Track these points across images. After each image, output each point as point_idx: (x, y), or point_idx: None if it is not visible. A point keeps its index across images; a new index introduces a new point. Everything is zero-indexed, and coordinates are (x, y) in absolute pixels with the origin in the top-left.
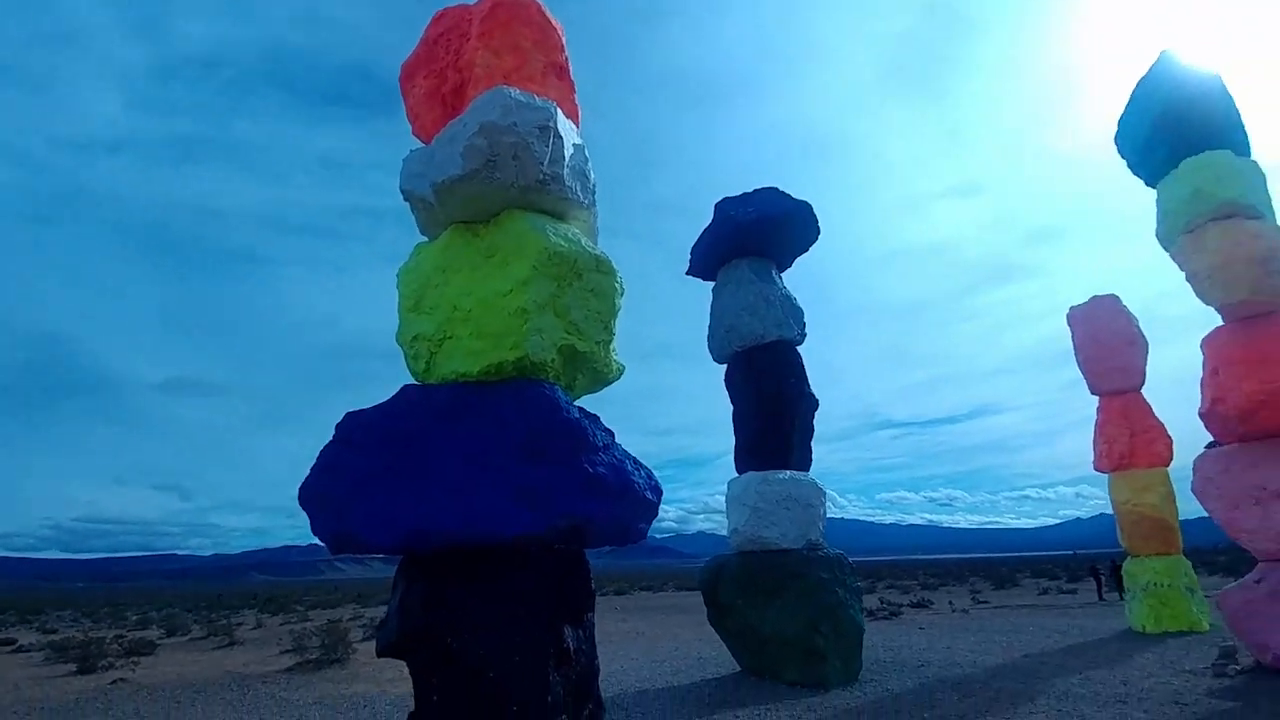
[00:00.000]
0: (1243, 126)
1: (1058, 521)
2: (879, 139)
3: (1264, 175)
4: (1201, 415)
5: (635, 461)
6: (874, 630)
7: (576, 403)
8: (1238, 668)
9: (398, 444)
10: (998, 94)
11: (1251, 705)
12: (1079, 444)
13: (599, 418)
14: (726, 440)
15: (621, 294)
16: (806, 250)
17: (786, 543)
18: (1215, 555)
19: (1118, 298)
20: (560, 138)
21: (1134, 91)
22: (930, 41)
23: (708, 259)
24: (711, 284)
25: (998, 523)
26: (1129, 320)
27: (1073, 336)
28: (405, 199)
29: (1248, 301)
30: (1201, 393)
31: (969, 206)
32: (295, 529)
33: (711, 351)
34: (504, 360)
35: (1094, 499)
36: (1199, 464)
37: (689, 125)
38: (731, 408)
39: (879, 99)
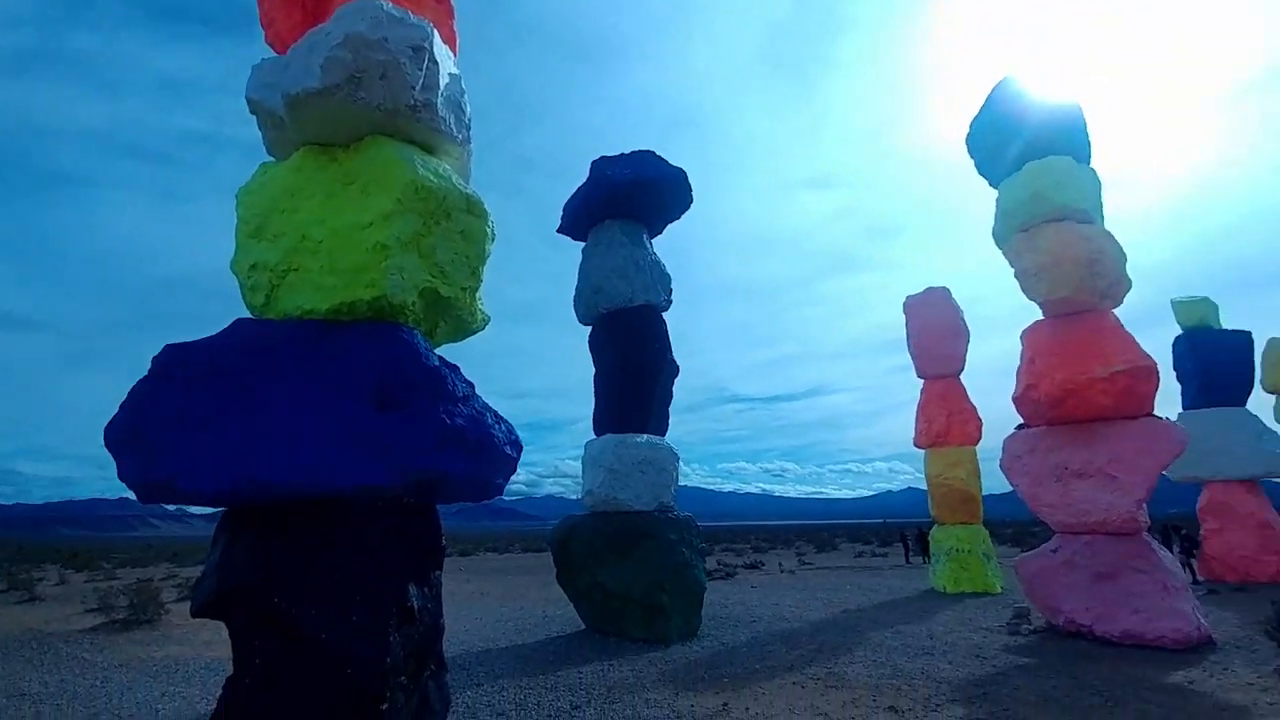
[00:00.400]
0: (1086, 135)
1: (872, 493)
2: (749, 122)
3: (1099, 183)
4: (1015, 399)
5: (496, 415)
6: (711, 589)
7: (436, 351)
8: (1030, 627)
9: (227, 383)
10: (857, 92)
11: (1043, 660)
12: (896, 424)
13: (459, 368)
14: (581, 405)
15: (492, 240)
16: (679, 217)
17: (640, 505)
18: (1004, 528)
19: (948, 290)
20: (436, 63)
21: (990, 96)
22: (804, 33)
23: (579, 218)
24: (581, 244)
25: (822, 493)
26: (956, 312)
27: (907, 323)
28: (251, 110)
29: (1069, 299)
30: (1017, 379)
31: (822, 198)
32: (105, 480)
33: (577, 312)
34: (358, 299)
35: (904, 474)
36: (1009, 443)
37: (561, 81)
38: (594, 370)
39: (752, 83)
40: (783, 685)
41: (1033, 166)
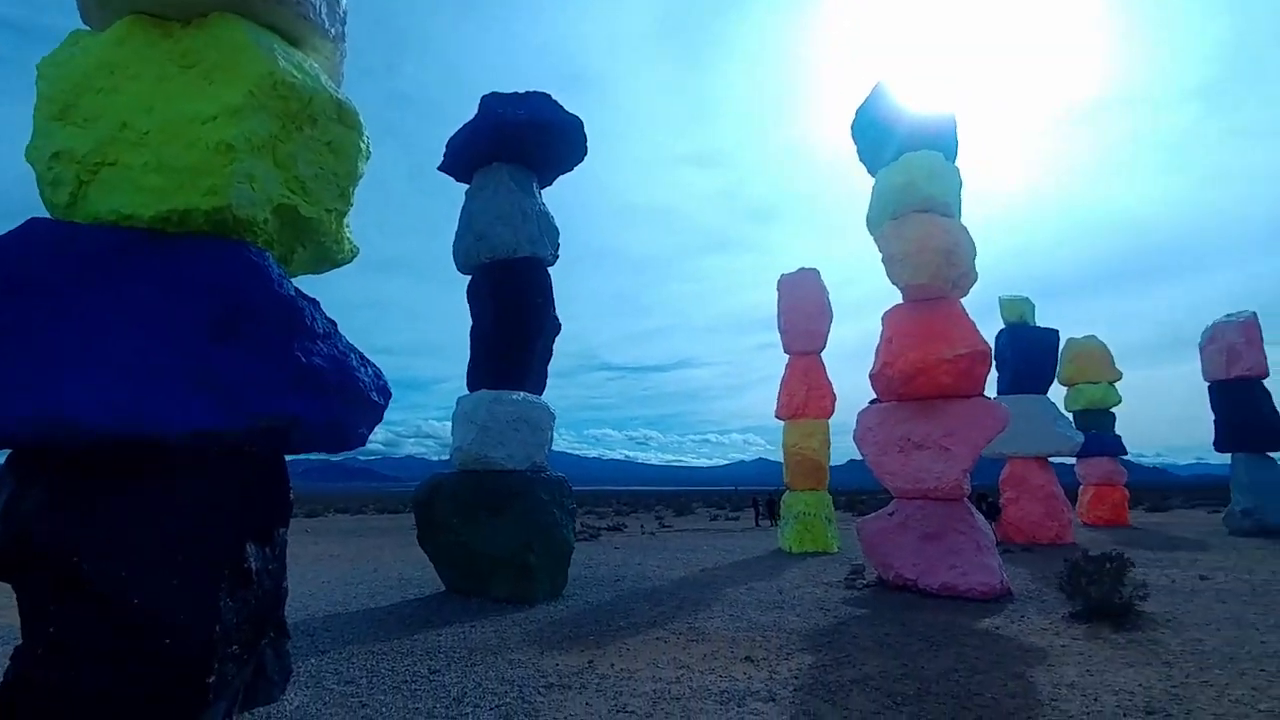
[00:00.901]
0: (955, 138)
1: (727, 462)
2: (638, 92)
3: (961, 182)
4: (872, 376)
5: (362, 357)
6: (576, 550)
7: (292, 281)
8: (864, 582)
9: (19, 297)
10: (747, 76)
11: (875, 611)
12: (754, 399)
13: (319, 302)
14: (449, 363)
15: (366, 158)
16: (571, 169)
17: (512, 464)
18: (838, 495)
19: (818, 272)
20: None
21: (877, 88)
22: (700, 11)
23: (465, 156)
24: (465, 186)
25: (682, 461)
26: (824, 293)
27: (779, 300)
28: None
29: (926, 286)
30: (876, 356)
31: (705, 176)
32: None
33: (456, 260)
34: (194, 207)
35: (756, 445)
36: (862, 416)
37: (446, 22)
38: (470, 323)
39: (644, 54)
40: (646, 641)
41: (909, 157)
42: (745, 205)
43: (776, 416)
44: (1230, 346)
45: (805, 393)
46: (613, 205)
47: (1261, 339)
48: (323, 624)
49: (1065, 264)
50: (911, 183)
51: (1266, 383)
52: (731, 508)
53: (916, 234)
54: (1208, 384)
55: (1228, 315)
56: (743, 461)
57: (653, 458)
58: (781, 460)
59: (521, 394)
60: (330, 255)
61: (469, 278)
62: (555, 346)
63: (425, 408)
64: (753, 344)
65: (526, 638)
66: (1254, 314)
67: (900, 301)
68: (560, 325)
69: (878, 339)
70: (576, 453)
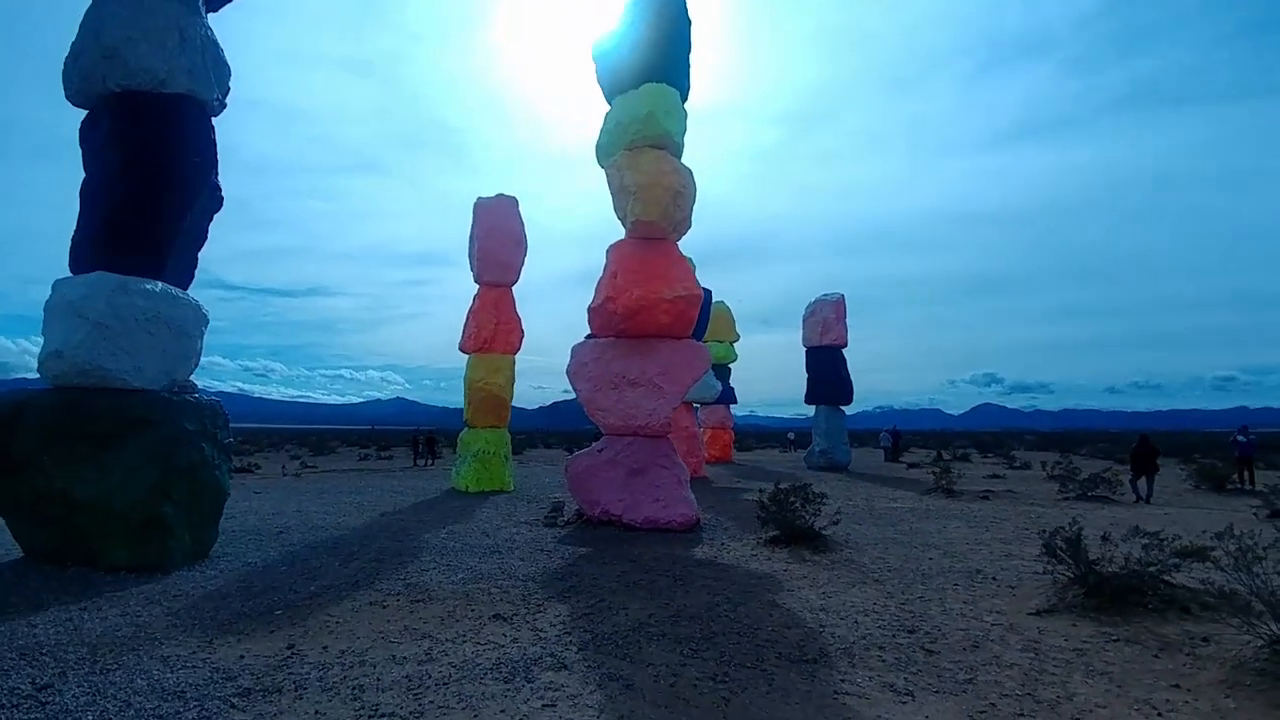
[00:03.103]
0: (689, 78)
1: (363, 400)
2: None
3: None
4: (591, 309)
5: None
6: None
7: None
8: (563, 519)
9: None
10: None
11: (596, 550)
12: (396, 335)
13: None
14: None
15: None
16: None
17: (140, 380)
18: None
19: (517, 200)
20: None
21: (629, 8)
22: None
23: None
24: None
25: (309, 397)
26: (520, 223)
27: (473, 225)
28: None
29: (653, 224)
30: (597, 290)
31: (361, 86)
32: None
33: (68, 83)
34: None
35: (394, 384)
36: (578, 350)
37: None
38: (84, 175)
39: None
40: (357, 608)
41: (652, 88)
42: (398, 129)
43: (461, 349)
44: (824, 320)
45: (495, 326)
46: (243, 97)
47: (845, 315)
48: None
49: (696, 240)
50: (652, 115)
51: (845, 351)
52: (378, 447)
53: (651, 168)
54: (805, 349)
55: (824, 295)
56: (379, 400)
57: (274, 392)
58: (420, 399)
59: (160, 284)
60: None
61: (85, 112)
62: None
63: None
64: (398, 279)
65: (179, 621)
66: (842, 295)
67: (624, 237)
68: (222, 199)
69: (601, 271)
70: None
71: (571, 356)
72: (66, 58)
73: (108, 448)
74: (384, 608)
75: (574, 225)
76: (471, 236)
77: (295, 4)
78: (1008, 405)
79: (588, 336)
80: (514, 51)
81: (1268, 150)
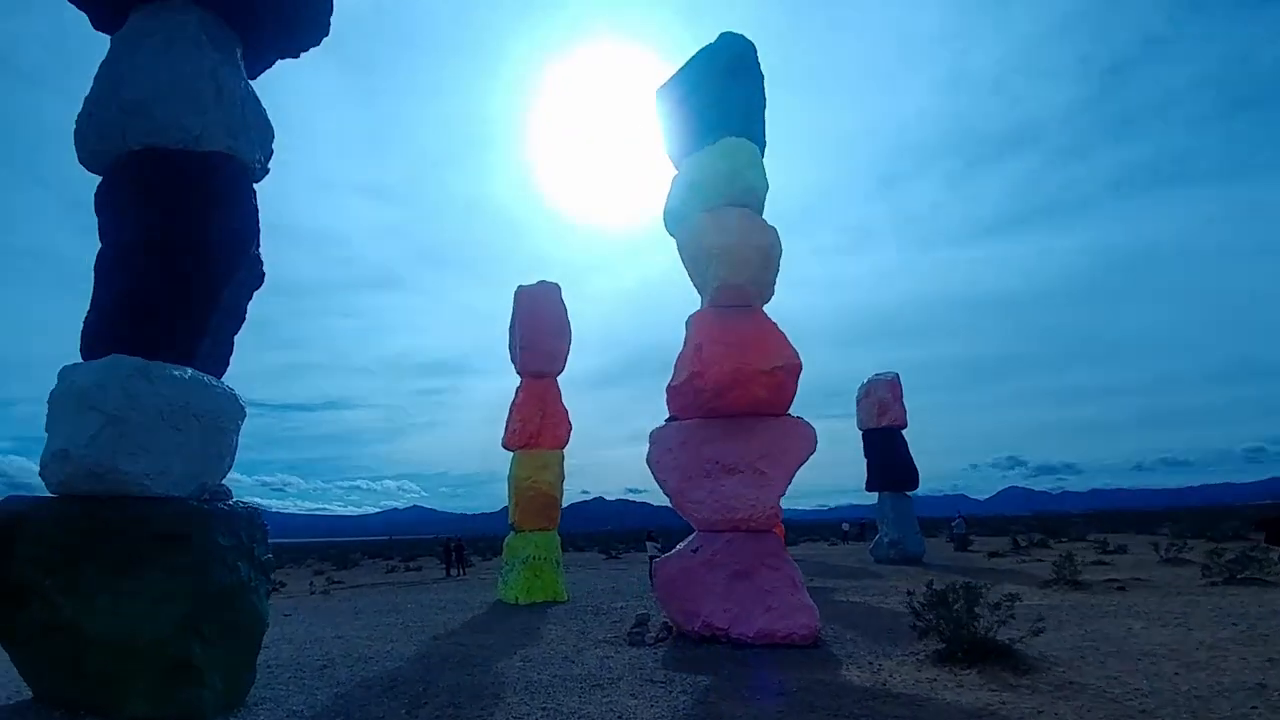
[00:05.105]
0: (764, 131)
1: (380, 510)
2: (310, 107)
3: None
4: (673, 388)
5: None
6: None
7: None
8: (652, 635)
9: None
10: (430, 109)
11: (719, 676)
12: (412, 444)
13: None
14: (24, 384)
15: None
16: (299, 51)
17: (164, 486)
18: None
19: (559, 287)
20: None
21: (698, 58)
22: (377, 28)
23: None
24: (109, 36)
25: (327, 509)
26: (564, 310)
27: (515, 314)
28: None
29: (743, 288)
30: (677, 367)
31: (376, 209)
32: None
33: (82, 143)
34: None
35: (410, 492)
36: (658, 436)
37: None
38: (100, 244)
39: (319, 74)
40: None
41: (731, 142)
42: (415, 245)
43: (505, 446)
44: (880, 400)
45: (540, 419)
46: (265, 220)
47: (902, 395)
48: None
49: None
50: (736, 170)
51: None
52: (403, 558)
53: (738, 227)
54: (861, 432)
55: (877, 374)
56: (396, 509)
57: (291, 505)
58: (436, 507)
59: (190, 371)
60: None
61: (101, 177)
62: None
63: None
64: (414, 388)
65: None
66: (897, 375)
67: (706, 307)
68: (264, 274)
69: (682, 346)
70: None
71: (652, 444)
72: (80, 115)
73: (126, 571)
74: None
75: (581, 325)
76: (512, 326)
77: (310, 133)
78: (1034, 488)
79: (668, 419)
80: (518, 172)
81: (1261, 225)
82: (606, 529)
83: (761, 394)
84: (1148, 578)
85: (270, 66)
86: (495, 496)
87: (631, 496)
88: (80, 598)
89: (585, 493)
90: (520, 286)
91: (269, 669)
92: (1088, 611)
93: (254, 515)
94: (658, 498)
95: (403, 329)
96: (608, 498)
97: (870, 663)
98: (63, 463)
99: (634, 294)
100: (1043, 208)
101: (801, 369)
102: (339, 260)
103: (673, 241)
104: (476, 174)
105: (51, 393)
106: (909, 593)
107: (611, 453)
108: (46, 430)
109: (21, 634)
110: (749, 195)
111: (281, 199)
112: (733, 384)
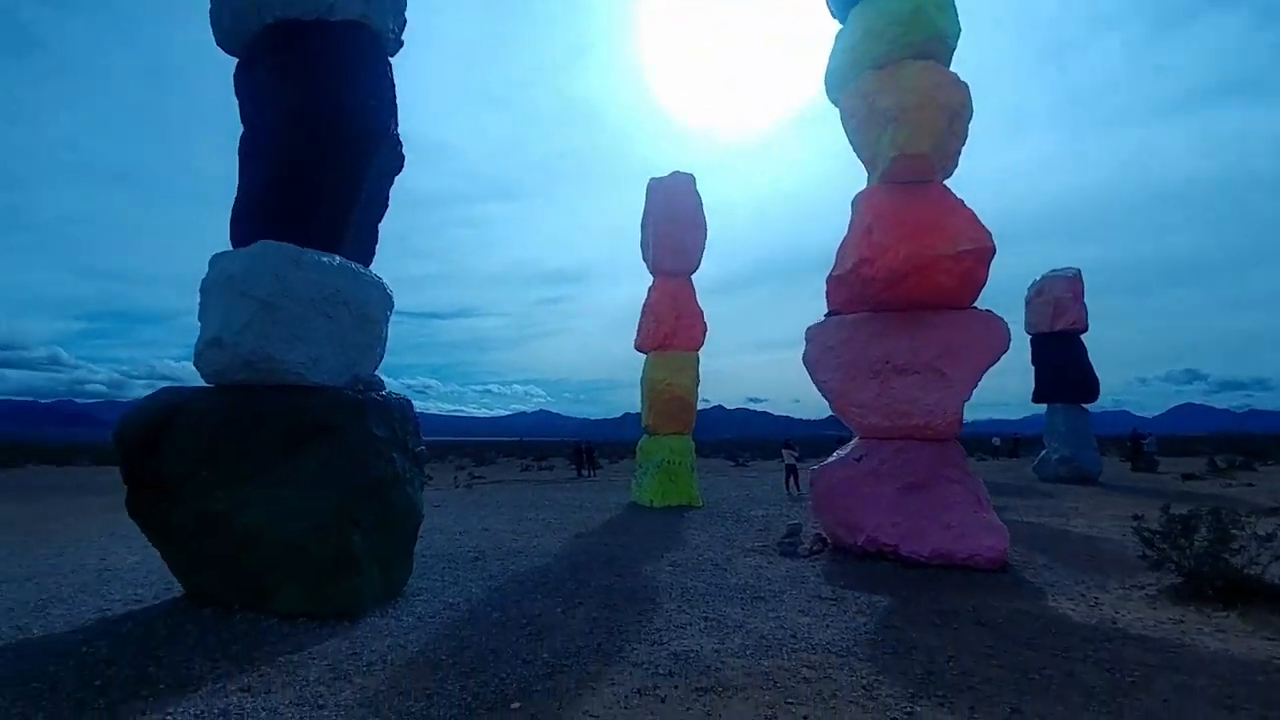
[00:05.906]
0: None
1: (509, 413)
2: (446, 15)
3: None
4: (834, 278)
5: None
6: None
7: None
8: (806, 546)
9: None
10: (549, 21)
11: (885, 592)
12: (535, 351)
13: None
14: (190, 296)
15: None
16: None
17: (319, 375)
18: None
19: (694, 178)
20: None
21: None
22: None
23: None
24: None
25: (464, 411)
26: (699, 203)
27: (647, 208)
28: None
29: (926, 158)
30: (844, 253)
31: (493, 117)
32: None
33: (217, 24)
34: None
35: (537, 396)
36: (817, 332)
37: None
38: (243, 130)
39: None
40: (624, 700)
41: None
42: (533, 155)
43: (638, 348)
44: (1056, 300)
45: (675, 320)
46: (405, 135)
47: (1083, 294)
48: None
49: (815, 245)
50: (919, 10)
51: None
52: (533, 457)
53: (920, 84)
54: (1029, 336)
55: (1053, 270)
56: (524, 412)
57: (433, 407)
58: (560, 411)
59: (338, 258)
60: None
61: (237, 57)
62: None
63: (161, 344)
64: (535, 298)
65: (379, 717)
66: (1078, 270)
67: (876, 183)
68: (404, 157)
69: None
70: None
71: (809, 341)
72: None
73: (281, 462)
74: (662, 702)
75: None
76: (644, 222)
77: (426, 40)
78: (1215, 405)
79: (827, 314)
80: (630, 75)
81: None
82: (726, 437)
83: (945, 282)
84: None
85: None
86: (616, 403)
87: (752, 406)
88: (234, 489)
89: (706, 400)
90: (652, 179)
91: (423, 559)
92: None
93: (406, 407)
94: (778, 407)
95: (521, 240)
96: (727, 406)
97: (1082, 595)
98: (217, 351)
99: (749, 201)
100: (1247, 79)
101: (994, 253)
102: (457, 171)
103: (792, 142)
104: (588, 79)
105: (203, 280)
106: (1135, 517)
107: (732, 359)
108: (200, 319)
109: (174, 528)
110: (935, 43)
111: (415, 110)
112: (910, 271)
